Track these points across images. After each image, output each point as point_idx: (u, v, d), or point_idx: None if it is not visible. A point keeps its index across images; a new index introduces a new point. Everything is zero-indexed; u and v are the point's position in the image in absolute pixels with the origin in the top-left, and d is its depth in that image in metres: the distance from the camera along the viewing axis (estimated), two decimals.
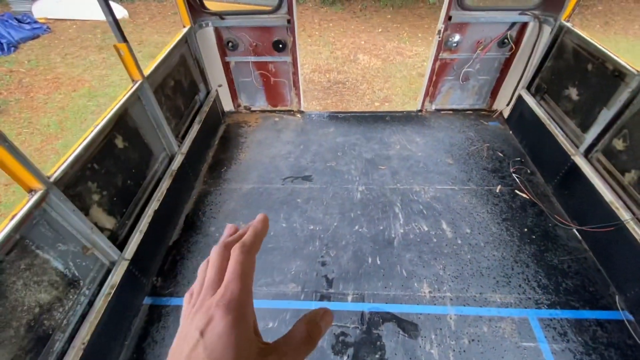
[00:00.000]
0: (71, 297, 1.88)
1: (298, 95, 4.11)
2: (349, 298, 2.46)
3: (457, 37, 3.48)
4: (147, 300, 2.50)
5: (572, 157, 2.87)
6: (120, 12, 11.61)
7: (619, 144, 2.52)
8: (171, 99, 3.05)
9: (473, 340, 2.22)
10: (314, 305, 2.42)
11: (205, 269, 0.39)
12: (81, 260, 1.96)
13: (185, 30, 3.24)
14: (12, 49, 10.14)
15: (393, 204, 3.12)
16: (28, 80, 9.04)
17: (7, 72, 9.44)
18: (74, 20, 11.75)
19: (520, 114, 3.67)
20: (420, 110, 4.19)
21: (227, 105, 4.25)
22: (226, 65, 3.87)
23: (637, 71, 2.35)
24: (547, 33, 3.25)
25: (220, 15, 3.43)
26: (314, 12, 12.20)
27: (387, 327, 2.31)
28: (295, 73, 3.88)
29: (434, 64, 3.70)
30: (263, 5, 3.48)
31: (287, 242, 2.83)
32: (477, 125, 3.97)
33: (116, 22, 2.16)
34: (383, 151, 3.69)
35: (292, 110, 4.29)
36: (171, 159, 2.97)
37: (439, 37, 3.46)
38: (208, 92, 3.82)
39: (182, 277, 2.62)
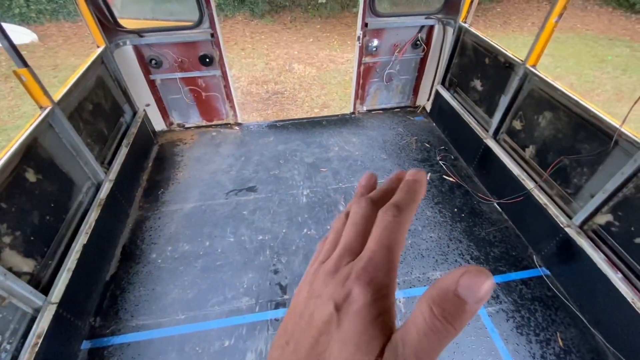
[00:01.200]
0: None
1: (233, 107, 4.08)
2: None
3: (375, 42, 3.76)
4: (85, 345, 2.27)
5: (485, 140, 3.25)
6: (27, 36, 10.49)
7: (517, 125, 2.93)
8: (91, 123, 2.84)
9: None
10: (270, 315, 2.41)
11: (343, 225, 0.32)
12: None
13: (99, 50, 3.06)
14: None
15: (337, 202, 3.23)
16: None
17: None
18: None
19: (440, 107, 4.06)
20: (353, 112, 4.41)
21: (159, 124, 4.06)
22: (152, 84, 3.71)
23: (522, 60, 2.76)
24: (450, 33, 3.67)
25: (138, 32, 3.30)
26: (244, 25, 12.20)
27: None
28: (227, 86, 3.86)
29: (358, 68, 3.94)
30: (183, 21, 3.42)
31: (236, 256, 2.78)
32: (405, 121, 4.30)
33: (13, 46, 1.98)
34: (323, 154, 3.81)
35: (229, 124, 4.25)
36: (98, 188, 2.76)
37: (359, 43, 3.70)
38: (135, 113, 3.62)
39: (124, 312, 2.43)
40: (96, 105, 2.96)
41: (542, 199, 2.64)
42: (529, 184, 2.74)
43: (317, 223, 3.04)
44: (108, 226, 2.76)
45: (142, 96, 3.72)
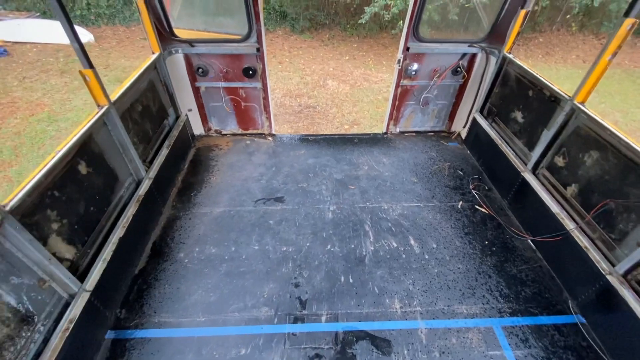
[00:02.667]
0: (24, 334, 1.75)
1: (269, 119, 4.20)
2: (323, 319, 2.46)
3: (415, 66, 3.78)
4: (109, 335, 2.35)
5: (522, 174, 3.14)
6: (85, 36, 11.40)
7: (559, 161, 2.81)
8: (139, 123, 3.02)
9: (443, 352, 2.29)
10: (288, 328, 2.40)
11: None
12: (37, 293, 1.84)
13: (154, 56, 3.28)
14: None
15: (363, 222, 3.21)
16: None
17: None
18: (34, 43, 11.36)
19: (476, 135, 3.99)
20: (386, 133, 4.41)
21: (198, 129, 4.25)
22: (196, 90, 3.91)
23: (569, 96, 2.67)
24: (493, 63, 3.62)
25: (190, 42, 3.51)
26: (284, 40, 12.65)
27: (360, 346, 2.32)
28: (266, 98, 4.00)
29: (395, 90, 3.97)
30: (233, 34, 3.61)
31: (259, 264, 2.81)
32: (438, 146, 4.24)
33: (82, 48, 2.16)
34: (352, 172, 3.83)
35: (264, 134, 4.37)
36: (138, 184, 2.90)
37: (399, 66, 3.73)
38: (177, 117, 3.82)
39: (149, 307, 2.50)
40: (145, 107, 3.15)
41: (582, 241, 2.49)
42: (569, 224, 2.61)
43: (341, 240, 3.02)
44: (143, 222, 2.89)
45: (186, 101, 3.92)
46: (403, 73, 3.86)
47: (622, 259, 2.22)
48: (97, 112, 2.39)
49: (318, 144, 4.28)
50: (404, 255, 2.91)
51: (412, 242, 3.03)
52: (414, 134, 4.46)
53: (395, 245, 2.99)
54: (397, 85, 3.94)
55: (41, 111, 8.20)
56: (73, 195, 2.17)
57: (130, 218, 2.64)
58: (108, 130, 2.55)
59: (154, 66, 3.31)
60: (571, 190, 2.69)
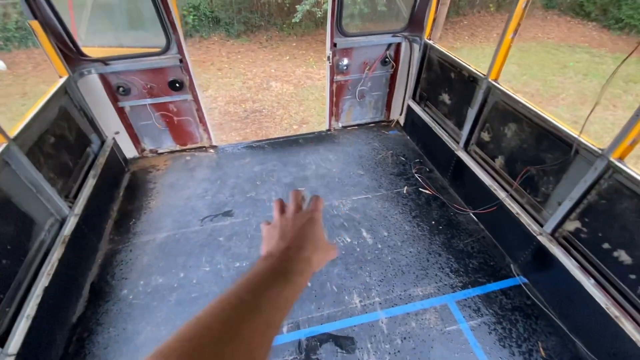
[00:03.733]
0: None
1: (207, 130, 4.02)
2: (284, 329, 2.40)
3: (345, 61, 3.82)
4: None
5: (456, 152, 3.32)
6: None
7: (485, 136, 3.00)
8: (53, 156, 2.73)
9: (405, 338, 2.34)
10: None
11: (293, 199, 0.70)
12: None
13: (62, 80, 2.97)
14: None
15: None
16: None
17: None
18: None
19: (412, 121, 4.14)
20: (329, 130, 4.44)
21: (130, 151, 3.95)
22: (120, 111, 3.62)
23: (484, 75, 2.85)
24: (417, 50, 3.77)
25: (103, 61, 3.23)
26: (220, 45, 12.25)
27: (325, 349, 2.30)
28: (199, 109, 3.82)
29: (331, 86, 3.99)
30: (150, 47, 3.38)
31: (212, 286, 2.68)
32: (380, 136, 4.35)
33: None
34: (300, 173, 3.79)
35: (204, 147, 4.18)
36: (63, 223, 2.62)
37: (330, 63, 3.75)
38: (103, 142, 3.51)
39: (92, 357, 2.28)
40: (59, 137, 2.85)
41: (514, 208, 2.69)
42: (501, 194, 2.79)
43: None
44: (74, 264, 2.62)
45: (111, 124, 3.62)
46: (335, 69, 3.88)
47: (549, 219, 2.42)
48: None
49: (263, 149, 4.19)
50: (358, 249, 2.94)
51: (365, 234, 3.07)
52: (356, 127, 4.53)
53: (349, 240, 3.01)
54: (332, 82, 3.97)
55: None
56: None
57: (56, 263, 2.38)
58: (12, 170, 2.26)
59: (63, 91, 3.00)
60: (499, 162, 2.89)
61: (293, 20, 11.40)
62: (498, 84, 2.74)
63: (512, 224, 2.70)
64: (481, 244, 2.96)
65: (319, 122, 8.00)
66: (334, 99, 4.16)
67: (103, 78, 3.34)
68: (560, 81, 9.33)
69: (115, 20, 3.66)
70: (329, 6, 3.38)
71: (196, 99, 3.71)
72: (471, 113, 3.07)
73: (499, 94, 2.74)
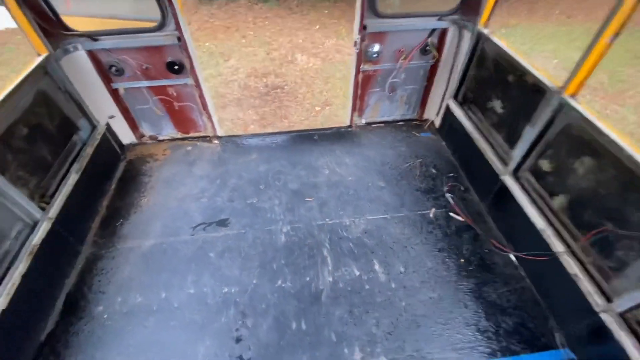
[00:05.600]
0: None
1: (210, 119, 3.56)
2: None
3: (376, 47, 3.14)
4: None
5: (502, 177, 2.67)
6: None
7: (545, 165, 2.33)
8: (25, 151, 2.38)
9: None
10: None
11: None
12: None
13: (40, 59, 2.56)
14: None
15: (321, 244, 2.74)
16: None
17: None
18: None
19: (450, 125, 3.46)
20: (350, 126, 3.84)
21: (127, 137, 3.59)
22: (114, 93, 3.21)
23: (557, 87, 2.14)
24: (467, 39, 3.02)
25: (91, 36, 2.77)
26: (247, 9, 11.42)
27: None
28: (202, 95, 3.33)
29: (356, 76, 3.35)
30: (145, 21, 2.87)
31: (194, 314, 2.34)
32: (409, 138, 3.71)
33: None
34: (310, 178, 3.29)
35: (208, 136, 3.74)
36: (33, 229, 2.32)
37: (357, 49, 3.09)
38: (94, 128, 3.15)
39: None
40: (35, 127, 2.49)
41: (572, 267, 2.09)
42: (557, 245, 2.18)
43: (294, 272, 2.56)
44: (46, 275, 2.35)
45: (104, 108, 3.23)
46: (363, 56, 3.22)
47: (621, 295, 1.82)
48: None
49: (272, 144, 3.70)
50: (367, 286, 2.48)
51: (377, 266, 2.59)
52: (382, 124, 3.90)
53: (357, 273, 2.55)
54: (358, 71, 3.32)
55: None
56: None
57: (19, 279, 2.09)
58: None
59: (43, 71, 2.60)
60: (559, 201, 2.24)
61: None
62: (577, 102, 2.04)
63: (567, 285, 2.11)
64: (520, 297, 2.41)
65: (344, 104, 7.30)
66: (359, 91, 3.52)
67: (92, 55, 2.91)
68: (631, 74, 7.92)
69: None
70: None
71: (198, 84, 3.21)
72: (529, 132, 2.39)
73: (575, 116, 2.05)
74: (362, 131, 3.82)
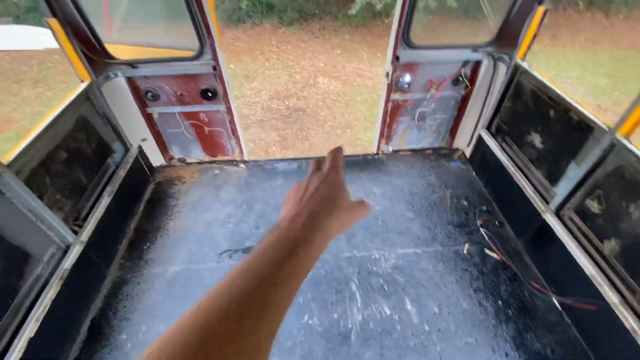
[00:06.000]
0: None
1: (239, 144, 3.59)
2: None
3: (407, 78, 3.13)
4: None
5: (542, 215, 2.54)
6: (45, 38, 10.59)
7: (593, 206, 2.20)
8: (64, 175, 2.43)
9: None
10: None
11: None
12: None
13: (83, 86, 2.65)
14: None
15: (349, 279, 2.64)
16: None
17: None
18: (6, 51, 10.64)
19: (482, 156, 3.36)
20: (377, 153, 3.79)
21: (157, 159, 3.65)
22: (148, 117, 3.29)
23: (608, 127, 2.04)
24: (502, 72, 2.97)
25: (131, 64, 2.88)
26: (271, 33, 11.82)
27: None
28: (232, 121, 3.37)
29: (385, 105, 3.33)
30: (183, 49, 2.96)
31: None
32: (438, 168, 3.62)
33: None
34: None
35: (235, 160, 3.76)
36: (65, 253, 2.33)
37: (388, 80, 3.08)
38: (127, 151, 3.21)
39: None
40: (74, 151, 2.55)
41: (629, 320, 1.91)
42: (610, 295, 2.01)
43: (321, 308, 2.46)
44: (74, 300, 2.33)
45: (137, 131, 3.31)
46: (393, 86, 3.21)
47: None
48: None
49: (298, 169, 3.68)
50: (398, 327, 2.34)
51: (409, 306, 2.46)
52: (409, 152, 3.83)
53: (388, 312, 2.42)
54: (387, 101, 3.30)
55: (9, 128, 7.61)
56: None
57: (49, 305, 2.08)
58: (7, 199, 1.96)
59: (85, 97, 2.69)
60: (610, 246, 2.09)
61: (349, 13, 10.57)
62: (630, 143, 1.93)
63: (623, 341, 1.93)
64: (566, 348, 2.22)
65: (365, 127, 7.31)
66: (387, 119, 3.49)
67: (131, 82, 3.00)
68: None
69: (151, 15, 3.29)
70: (396, 10, 2.70)
71: (230, 110, 3.26)
72: (575, 171, 2.28)
73: (629, 158, 1.93)
74: (389, 159, 3.76)
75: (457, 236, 2.93)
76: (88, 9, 2.58)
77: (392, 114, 3.45)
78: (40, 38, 10.12)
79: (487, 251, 2.80)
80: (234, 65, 9.76)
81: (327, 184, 0.56)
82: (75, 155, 2.57)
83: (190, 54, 2.89)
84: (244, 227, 3.06)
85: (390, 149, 3.80)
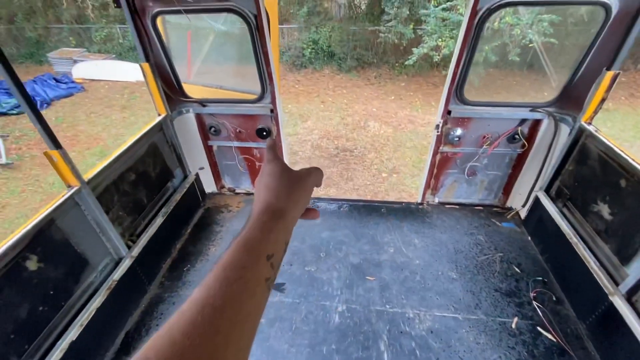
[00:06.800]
0: None
1: None
2: None
3: (458, 132, 3.08)
4: None
5: (610, 297, 2.20)
6: (133, 72, 12.27)
7: None
8: (129, 194, 2.73)
9: None
10: None
11: None
12: None
13: (159, 118, 3.04)
14: (45, 105, 10.78)
15: (378, 335, 2.48)
16: None
17: (32, 129, 9.84)
18: (107, 80, 12.65)
19: (540, 219, 3.08)
20: (421, 203, 3.68)
21: (210, 186, 3.94)
22: (209, 149, 3.62)
23: None
24: (565, 133, 2.79)
25: (202, 103, 3.25)
26: (329, 78, 12.58)
27: None
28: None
29: (433, 157, 3.28)
30: (246, 93, 3.29)
31: None
32: (489, 226, 3.38)
33: (46, 129, 1.90)
34: (374, 255, 3.14)
35: None
36: (117, 264, 2.55)
37: (438, 132, 3.07)
38: (185, 177, 3.53)
39: None
40: (141, 174, 2.87)
41: None
42: None
43: None
44: (115, 311, 2.50)
45: (197, 160, 3.64)
46: (443, 139, 3.17)
47: None
48: (64, 195, 2.10)
49: (337, 211, 3.69)
50: None
51: None
52: (457, 206, 3.66)
53: None
54: (435, 152, 3.25)
55: (96, 145, 8.82)
56: (12, 299, 1.83)
57: (93, 313, 2.25)
58: (81, 210, 2.25)
59: (159, 128, 3.07)
60: None
61: (406, 63, 10.92)
62: None
63: None
64: None
65: (412, 174, 7.19)
66: (434, 170, 3.41)
67: (199, 117, 3.37)
68: None
69: (226, 59, 3.75)
70: (451, 66, 2.75)
71: (280, 150, 3.46)
72: None
73: None
74: (434, 211, 3.62)
75: (504, 306, 2.63)
76: (176, 52, 3.03)
77: (440, 165, 3.37)
78: (135, 72, 11.93)
79: (540, 330, 2.46)
80: (291, 106, 10.45)
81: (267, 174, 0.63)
82: (141, 177, 2.88)
83: (251, 96, 3.19)
84: None
85: (437, 200, 3.67)
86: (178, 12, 2.58)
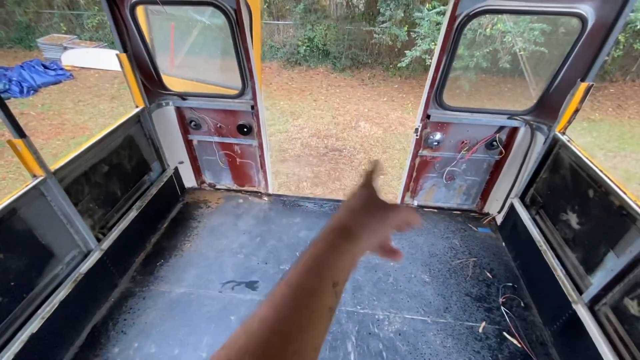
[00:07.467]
0: None
1: (265, 177, 3.72)
2: None
3: (437, 136, 3.10)
4: None
5: (574, 305, 2.24)
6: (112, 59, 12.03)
7: (634, 307, 1.90)
8: (101, 186, 2.68)
9: None
10: None
11: None
12: None
13: (136, 110, 3.00)
14: (31, 92, 10.55)
15: (347, 336, 2.48)
16: (34, 124, 9.15)
17: (18, 115, 9.60)
18: (97, 69, 12.42)
19: (514, 226, 3.12)
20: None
21: (190, 181, 3.90)
22: (189, 143, 3.58)
23: None
24: (540, 142, 2.82)
25: (182, 96, 3.21)
26: (323, 77, 12.54)
27: None
28: (262, 156, 3.54)
29: (412, 160, 3.29)
30: (228, 88, 3.25)
31: None
32: (465, 231, 3.41)
33: (10, 117, 1.85)
34: None
35: (259, 192, 3.89)
36: (85, 257, 2.51)
37: (417, 135, 3.08)
38: (163, 170, 3.48)
39: None
40: (115, 166, 2.82)
41: None
42: None
43: None
44: (82, 304, 2.46)
45: (177, 154, 3.60)
46: (422, 142, 3.18)
47: None
48: (27, 185, 2.05)
49: (318, 210, 3.69)
50: None
51: None
52: (435, 210, 3.68)
53: None
54: (415, 156, 3.27)
55: (82, 134, 8.66)
56: None
57: (57, 304, 2.21)
58: (47, 201, 2.20)
59: (136, 120, 3.02)
60: None
61: (399, 65, 10.95)
62: None
63: None
64: None
65: (399, 176, 7.22)
66: (414, 174, 3.43)
67: (179, 111, 3.33)
68: None
69: (209, 53, 3.71)
70: (430, 70, 2.76)
71: (261, 146, 3.44)
72: (614, 262, 2.02)
73: None
74: None
75: (473, 311, 2.66)
76: (159, 44, 2.98)
77: (420, 169, 3.39)
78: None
79: (506, 335, 2.50)
80: (283, 103, 10.40)
81: (355, 197, 0.62)
82: (115, 170, 2.84)
83: (233, 92, 3.16)
84: (253, 261, 3.08)
85: (415, 203, 3.69)
86: (155, 2, 2.53)
